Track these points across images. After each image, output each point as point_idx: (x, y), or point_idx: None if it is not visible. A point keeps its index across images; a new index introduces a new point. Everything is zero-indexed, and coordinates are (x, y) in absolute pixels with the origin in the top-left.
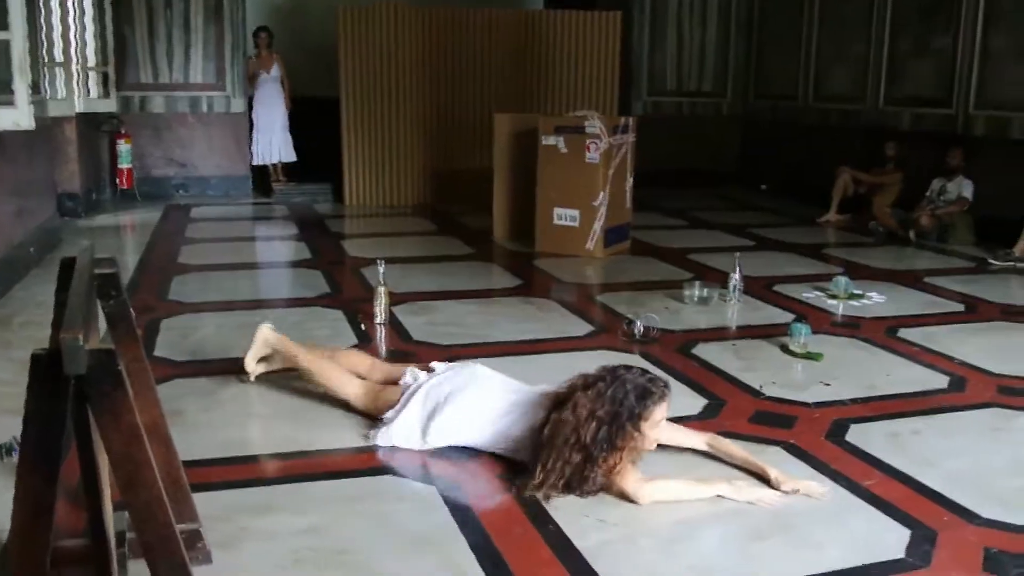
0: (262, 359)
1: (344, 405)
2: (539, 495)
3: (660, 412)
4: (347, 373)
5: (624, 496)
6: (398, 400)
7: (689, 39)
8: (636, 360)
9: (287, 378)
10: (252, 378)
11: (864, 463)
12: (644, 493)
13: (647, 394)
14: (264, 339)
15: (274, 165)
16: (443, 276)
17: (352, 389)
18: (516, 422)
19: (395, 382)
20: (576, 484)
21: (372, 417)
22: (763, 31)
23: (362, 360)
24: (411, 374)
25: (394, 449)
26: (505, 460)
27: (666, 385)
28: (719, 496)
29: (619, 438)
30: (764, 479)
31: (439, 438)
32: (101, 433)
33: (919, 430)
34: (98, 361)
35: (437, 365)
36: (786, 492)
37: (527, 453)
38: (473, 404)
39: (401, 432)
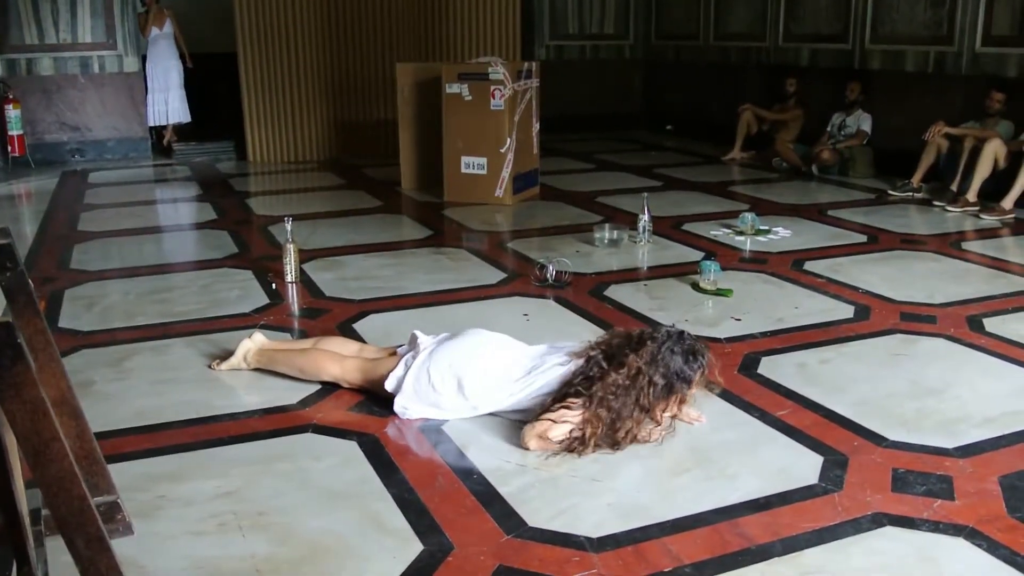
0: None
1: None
2: (579, 451)
3: (700, 376)
4: (334, 354)
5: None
6: (394, 368)
7: None
8: (550, 304)
9: (197, 342)
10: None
11: (776, 394)
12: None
13: (695, 356)
14: (244, 356)
15: (167, 126)
16: (352, 230)
17: (342, 368)
18: (548, 383)
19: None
20: (619, 439)
21: (368, 392)
22: None
23: (347, 346)
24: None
25: (316, 405)
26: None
27: (706, 348)
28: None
29: (668, 398)
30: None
31: (464, 410)
32: (4, 409)
33: (827, 359)
34: None
35: (422, 337)
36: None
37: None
38: (492, 371)
39: (419, 407)
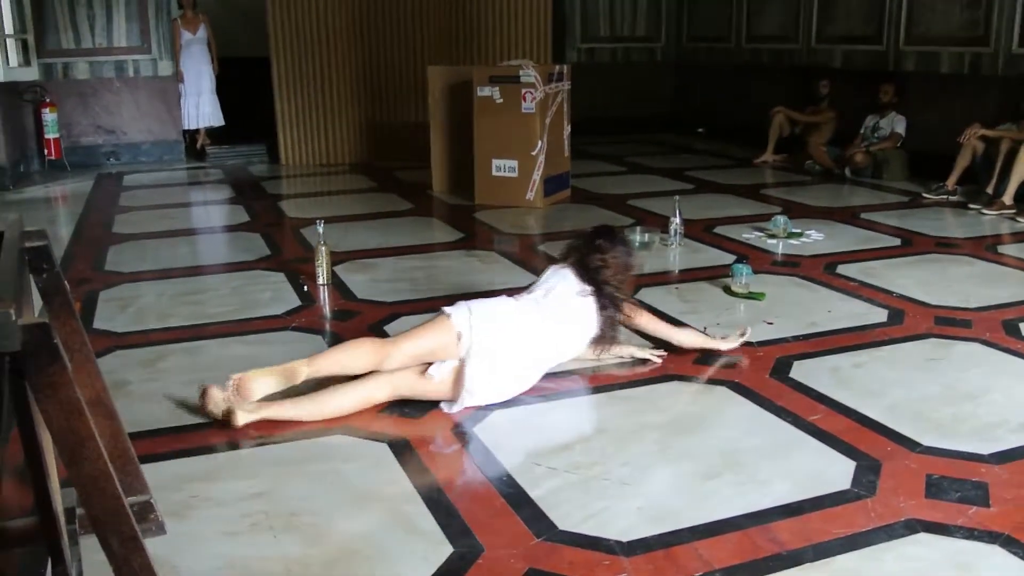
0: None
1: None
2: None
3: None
4: (363, 384)
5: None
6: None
7: None
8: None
9: (230, 344)
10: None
11: (808, 398)
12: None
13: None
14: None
15: (199, 130)
16: (384, 233)
17: (381, 393)
18: (581, 329)
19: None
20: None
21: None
22: None
23: (367, 352)
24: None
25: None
26: (454, 413)
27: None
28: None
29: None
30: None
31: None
32: (40, 409)
33: (861, 363)
34: (32, 336)
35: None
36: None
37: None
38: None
39: (481, 394)
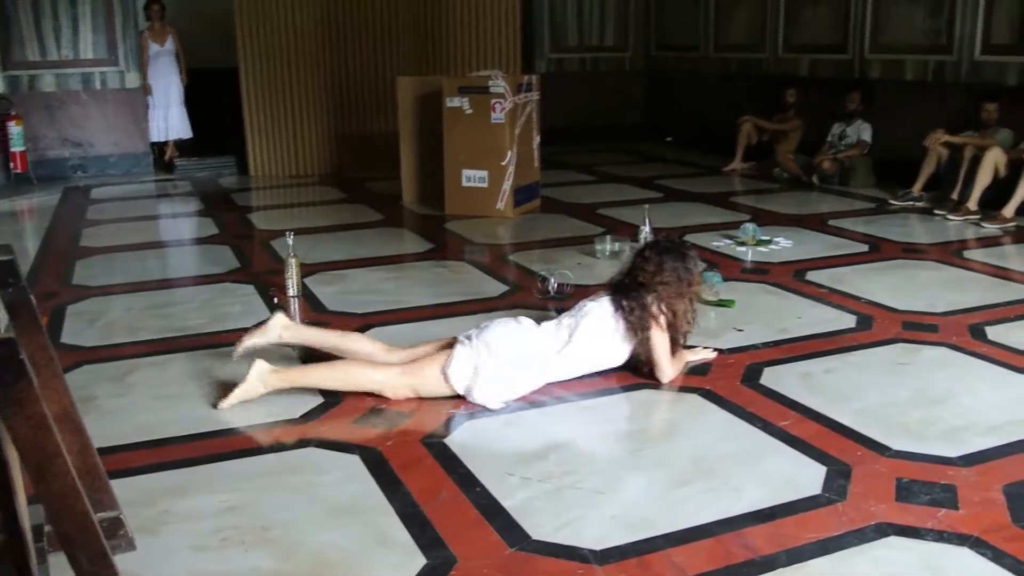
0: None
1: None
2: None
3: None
4: (367, 364)
5: (657, 362)
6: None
7: None
8: (552, 316)
9: (200, 357)
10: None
11: (779, 404)
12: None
13: (691, 252)
14: (257, 383)
15: (168, 142)
16: (354, 244)
17: (383, 377)
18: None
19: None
20: (683, 331)
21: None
22: None
23: (368, 345)
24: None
25: (319, 419)
26: (429, 424)
27: (690, 247)
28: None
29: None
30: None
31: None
32: (7, 425)
33: (830, 369)
34: None
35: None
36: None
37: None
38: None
39: (485, 394)
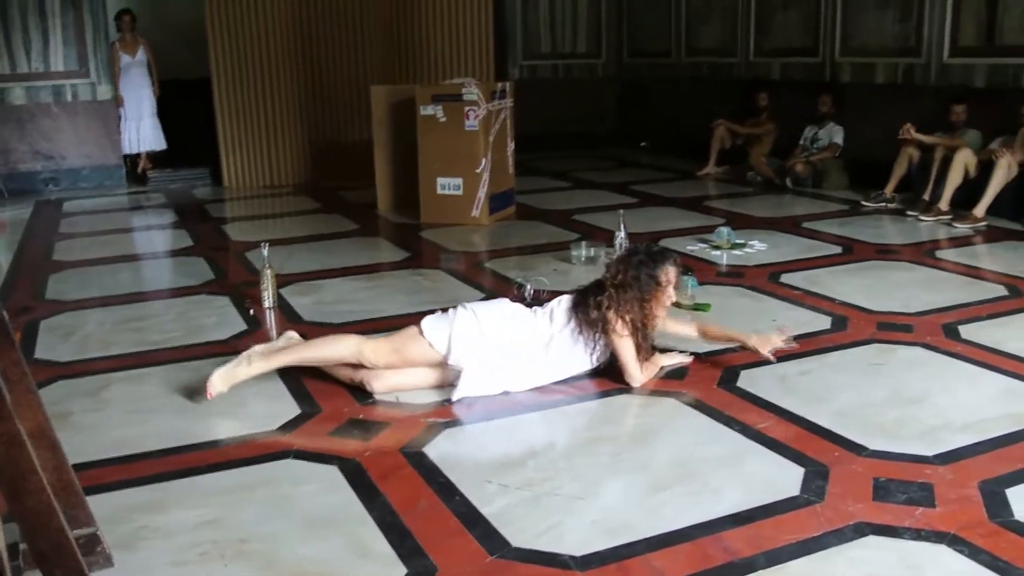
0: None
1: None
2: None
3: (674, 273)
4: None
5: (623, 366)
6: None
7: (560, 0)
8: None
9: (175, 370)
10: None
11: (756, 407)
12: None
13: (662, 258)
14: (248, 356)
15: (141, 154)
16: (329, 254)
17: (357, 339)
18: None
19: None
20: (650, 333)
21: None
22: None
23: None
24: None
25: (296, 431)
26: (408, 433)
27: (675, 253)
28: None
29: (651, 294)
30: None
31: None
32: None
33: (807, 371)
34: None
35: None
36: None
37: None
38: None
39: (478, 385)
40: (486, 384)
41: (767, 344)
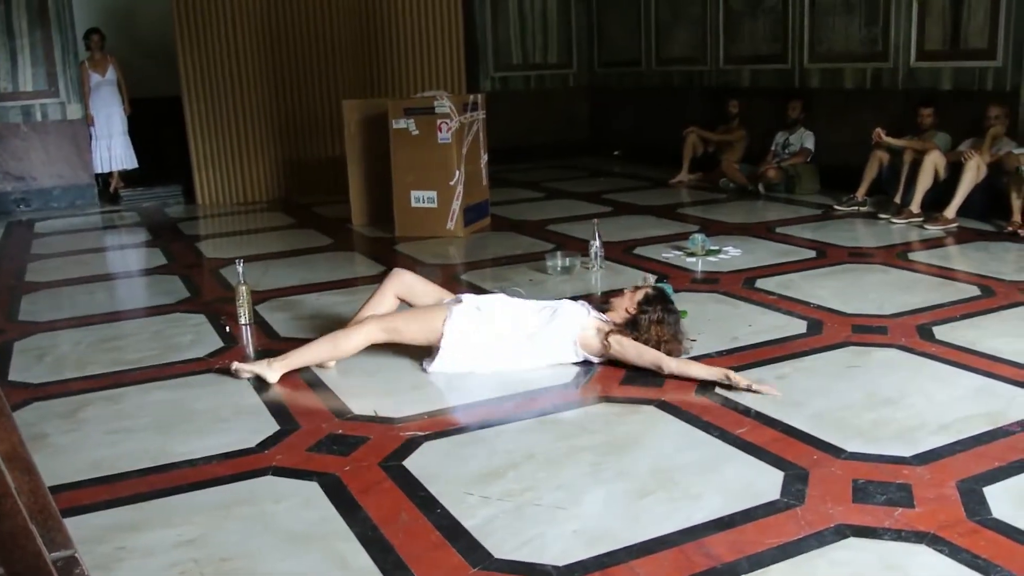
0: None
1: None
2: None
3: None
4: (365, 328)
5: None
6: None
7: (531, 10)
8: None
9: (152, 389)
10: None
11: (734, 412)
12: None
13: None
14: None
15: (112, 173)
16: (305, 269)
17: (381, 336)
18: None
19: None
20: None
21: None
22: None
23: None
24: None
25: (275, 447)
26: (387, 447)
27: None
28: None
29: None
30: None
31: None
32: None
33: (783, 375)
34: None
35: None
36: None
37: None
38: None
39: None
40: (463, 357)
41: (743, 380)
